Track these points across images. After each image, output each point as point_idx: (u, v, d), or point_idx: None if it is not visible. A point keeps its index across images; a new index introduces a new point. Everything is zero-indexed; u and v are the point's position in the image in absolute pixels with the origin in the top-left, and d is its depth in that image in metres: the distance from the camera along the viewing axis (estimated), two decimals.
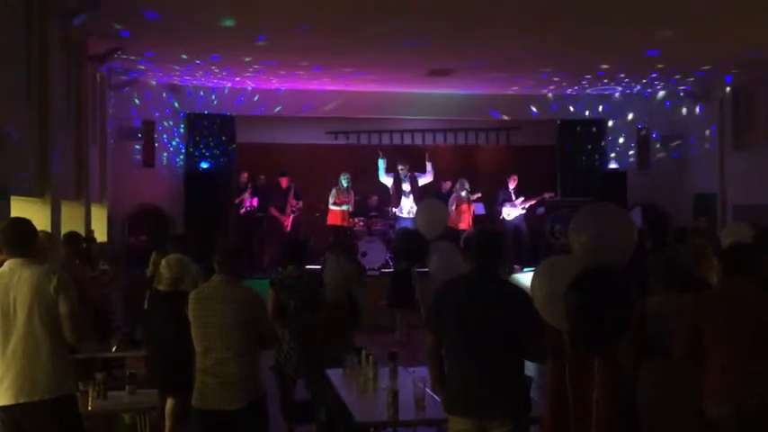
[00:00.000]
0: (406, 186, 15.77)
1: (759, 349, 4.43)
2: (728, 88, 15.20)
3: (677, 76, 15.03)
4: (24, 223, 4.85)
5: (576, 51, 12.53)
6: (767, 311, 4.51)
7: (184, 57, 13.07)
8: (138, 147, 15.68)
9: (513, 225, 16.01)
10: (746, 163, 14.66)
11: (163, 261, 6.98)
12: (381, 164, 15.93)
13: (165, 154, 16.03)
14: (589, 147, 17.51)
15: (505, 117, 17.27)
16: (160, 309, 6.78)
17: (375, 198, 16.45)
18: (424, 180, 15.95)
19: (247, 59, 13.19)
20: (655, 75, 14.86)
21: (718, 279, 4.98)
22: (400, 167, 15.81)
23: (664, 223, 15.33)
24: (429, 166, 16.07)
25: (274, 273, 8.40)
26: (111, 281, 8.95)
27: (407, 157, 16.27)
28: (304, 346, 7.33)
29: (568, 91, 16.71)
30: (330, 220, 15.51)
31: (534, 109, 17.15)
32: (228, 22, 10.47)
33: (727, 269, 4.69)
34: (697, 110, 16.30)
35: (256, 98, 16.19)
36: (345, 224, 15.46)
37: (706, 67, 14.08)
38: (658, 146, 17.14)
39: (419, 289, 9.53)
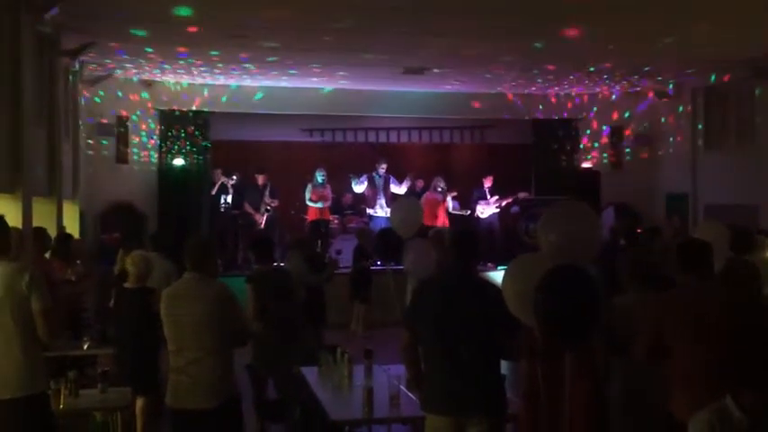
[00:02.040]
0: (380, 184, 15.87)
1: (722, 348, 4.41)
2: (701, 88, 15.34)
3: (650, 76, 15.14)
4: None
5: (549, 50, 12.58)
6: (729, 310, 4.45)
7: (158, 53, 12.97)
8: (111, 143, 15.55)
9: (487, 223, 16.10)
10: (718, 163, 14.82)
11: (127, 258, 6.97)
12: (354, 181, 16.07)
13: (138, 151, 15.92)
14: (563, 146, 17.63)
15: (480, 116, 17.34)
16: (127, 306, 6.76)
17: (349, 196, 16.49)
18: (396, 189, 16.02)
19: (222, 56, 13.12)
20: (629, 75, 14.96)
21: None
22: (382, 167, 15.91)
23: (636, 222, 15.46)
24: (407, 182, 16.10)
25: (247, 269, 8.34)
26: (84, 278, 8.86)
27: (387, 157, 16.36)
28: (276, 343, 7.33)
29: (543, 90, 16.79)
30: (310, 216, 15.53)
31: (509, 107, 17.21)
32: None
33: (683, 265, 4.67)
34: (670, 110, 16.44)
35: (231, 95, 16.09)
36: (325, 218, 15.49)
37: (679, 68, 14.21)
38: (631, 145, 17.28)
39: (392, 286, 9.55)
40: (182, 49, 12.64)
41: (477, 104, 17.01)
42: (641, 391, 5.02)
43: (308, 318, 8.74)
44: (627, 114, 17.32)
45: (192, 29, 11.00)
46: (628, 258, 5.50)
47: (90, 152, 14.99)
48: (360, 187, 16.14)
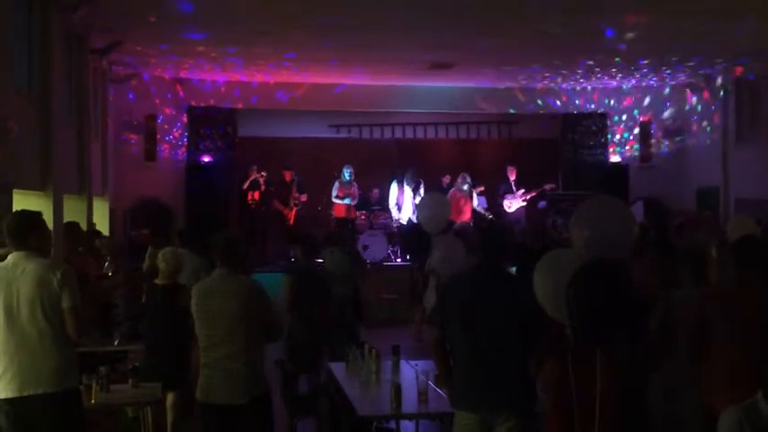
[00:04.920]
0: (408, 191, 15.53)
1: (757, 345, 4.35)
2: (731, 81, 15.15)
3: (680, 69, 14.99)
4: (28, 216, 4.83)
5: (577, 44, 12.49)
6: (764, 307, 4.41)
7: (186, 50, 13.04)
8: (139, 140, 15.67)
9: (514, 218, 15.95)
10: (749, 156, 14.62)
11: (159, 255, 6.95)
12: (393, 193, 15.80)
13: (166, 148, 16.03)
14: (591, 140, 17.50)
15: (507, 110, 17.25)
16: (158, 302, 6.78)
17: (376, 192, 16.41)
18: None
19: (250, 53, 13.16)
20: (657, 67, 14.81)
21: (725, 273, 4.90)
22: (410, 175, 15.53)
23: (666, 217, 15.29)
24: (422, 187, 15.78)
25: (276, 265, 8.29)
26: (115, 274, 8.93)
27: (413, 153, 16.21)
28: (307, 341, 7.35)
29: (570, 84, 16.67)
30: (336, 213, 15.48)
31: (536, 102, 17.13)
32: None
33: (739, 264, 4.61)
34: (700, 103, 16.26)
35: (258, 91, 16.15)
36: (352, 216, 15.43)
37: (709, 60, 14.04)
38: (661, 139, 17.12)
39: (421, 283, 9.54)
40: (216, 47, 12.69)
41: (503, 100, 16.92)
42: (681, 387, 4.96)
43: (348, 315, 8.76)
44: (657, 107, 17.14)
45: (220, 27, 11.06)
46: (685, 252, 5.40)
47: (118, 149, 15.11)
48: (393, 198, 15.77)
